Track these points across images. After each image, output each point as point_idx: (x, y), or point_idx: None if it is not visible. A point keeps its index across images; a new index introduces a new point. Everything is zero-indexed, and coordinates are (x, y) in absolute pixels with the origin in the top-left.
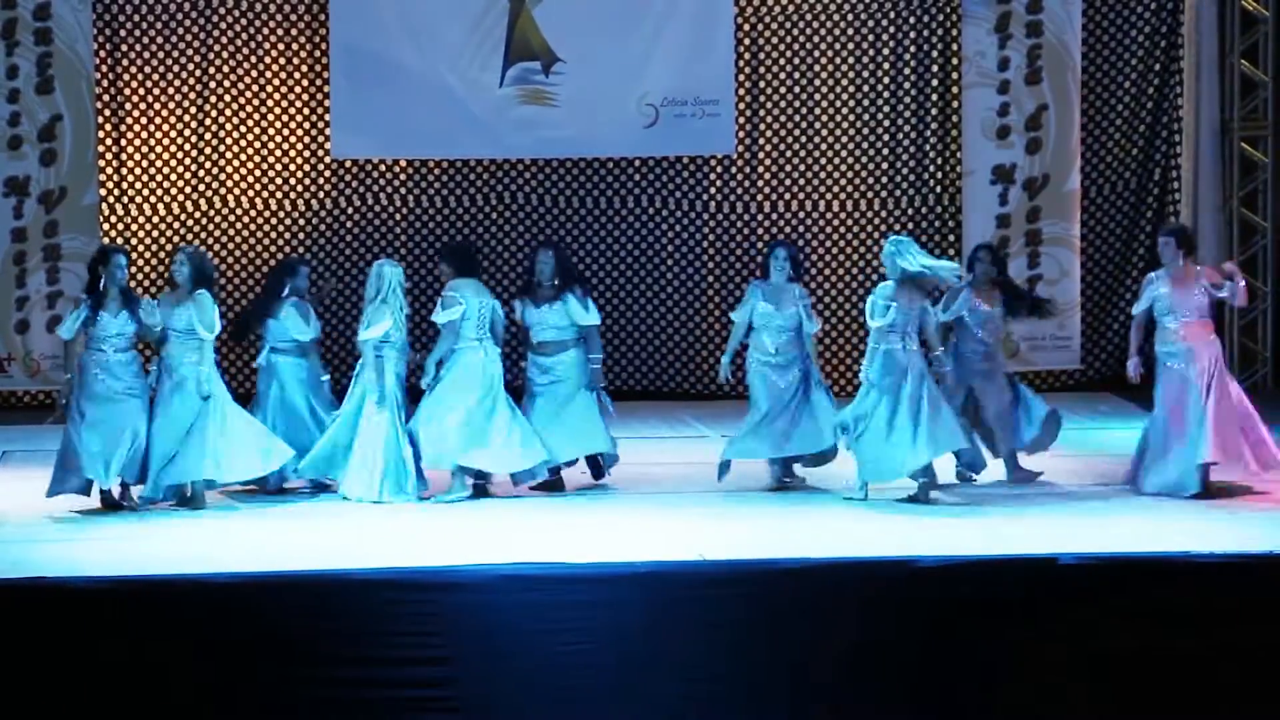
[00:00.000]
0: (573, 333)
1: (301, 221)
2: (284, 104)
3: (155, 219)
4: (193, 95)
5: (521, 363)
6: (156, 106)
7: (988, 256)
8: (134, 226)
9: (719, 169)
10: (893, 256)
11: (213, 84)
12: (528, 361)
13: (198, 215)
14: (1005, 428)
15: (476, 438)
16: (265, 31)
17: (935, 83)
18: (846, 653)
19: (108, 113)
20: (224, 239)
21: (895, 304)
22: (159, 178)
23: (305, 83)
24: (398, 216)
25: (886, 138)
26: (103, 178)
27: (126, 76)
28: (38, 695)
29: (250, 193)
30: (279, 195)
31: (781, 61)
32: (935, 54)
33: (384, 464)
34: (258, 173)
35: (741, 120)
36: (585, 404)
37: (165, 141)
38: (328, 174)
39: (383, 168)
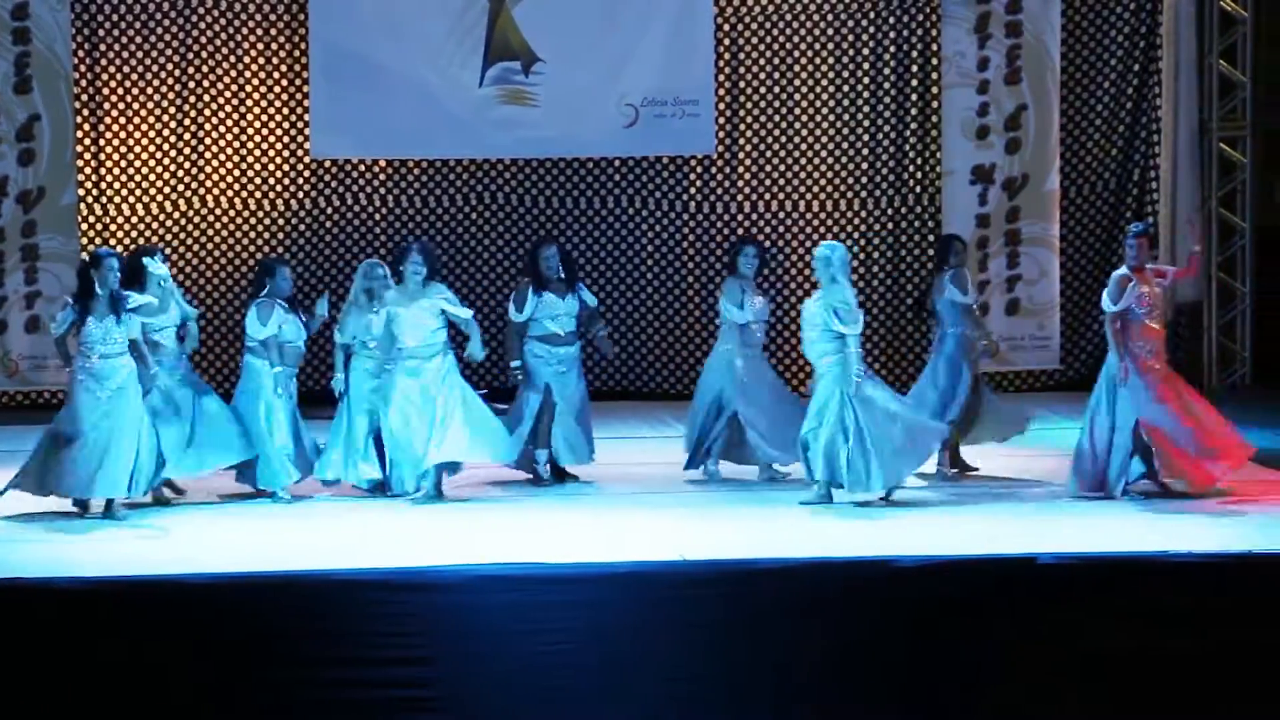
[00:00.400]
0: (575, 324)
1: (280, 222)
2: (263, 104)
3: (134, 219)
4: (171, 95)
5: (505, 360)
6: (135, 106)
7: (962, 247)
8: (112, 227)
9: (699, 169)
10: (846, 263)
11: (191, 84)
12: (532, 353)
13: (176, 216)
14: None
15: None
16: (244, 31)
17: (915, 82)
18: (828, 653)
19: (86, 113)
20: (203, 239)
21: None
22: (137, 178)
23: (284, 82)
24: (377, 217)
25: (866, 138)
26: (81, 178)
27: (105, 76)
28: (20, 697)
29: (229, 193)
30: (258, 195)
31: (761, 61)
32: (915, 54)
33: (333, 446)
34: (236, 173)
35: (721, 120)
36: (586, 410)
37: (144, 142)
38: (307, 174)
39: (362, 168)
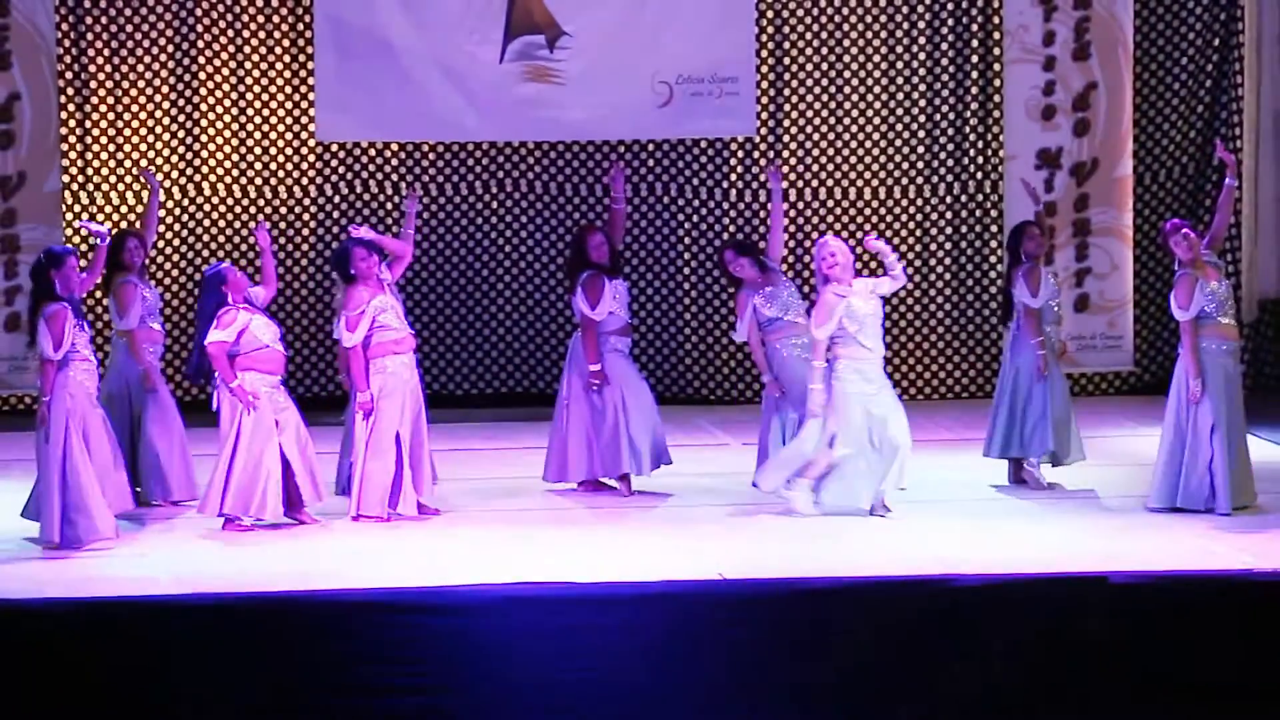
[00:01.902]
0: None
1: (284, 210)
2: (264, 82)
3: (124, 208)
4: (164, 73)
5: (561, 364)
6: (125, 85)
7: (1039, 231)
8: (100, 216)
9: (740, 153)
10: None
11: (186, 60)
12: (613, 349)
13: (170, 205)
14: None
15: None
16: (244, 3)
17: (975, 59)
18: (880, 680)
19: (71, 91)
20: (199, 230)
21: None
22: (128, 163)
23: (287, 58)
24: (389, 206)
25: (922, 119)
26: (66, 162)
27: (92, 52)
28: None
29: (228, 179)
30: (259, 182)
31: (808, 35)
32: (975, 27)
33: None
34: (235, 157)
35: (764, 100)
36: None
37: (134, 124)
38: (312, 158)
39: (372, 152)
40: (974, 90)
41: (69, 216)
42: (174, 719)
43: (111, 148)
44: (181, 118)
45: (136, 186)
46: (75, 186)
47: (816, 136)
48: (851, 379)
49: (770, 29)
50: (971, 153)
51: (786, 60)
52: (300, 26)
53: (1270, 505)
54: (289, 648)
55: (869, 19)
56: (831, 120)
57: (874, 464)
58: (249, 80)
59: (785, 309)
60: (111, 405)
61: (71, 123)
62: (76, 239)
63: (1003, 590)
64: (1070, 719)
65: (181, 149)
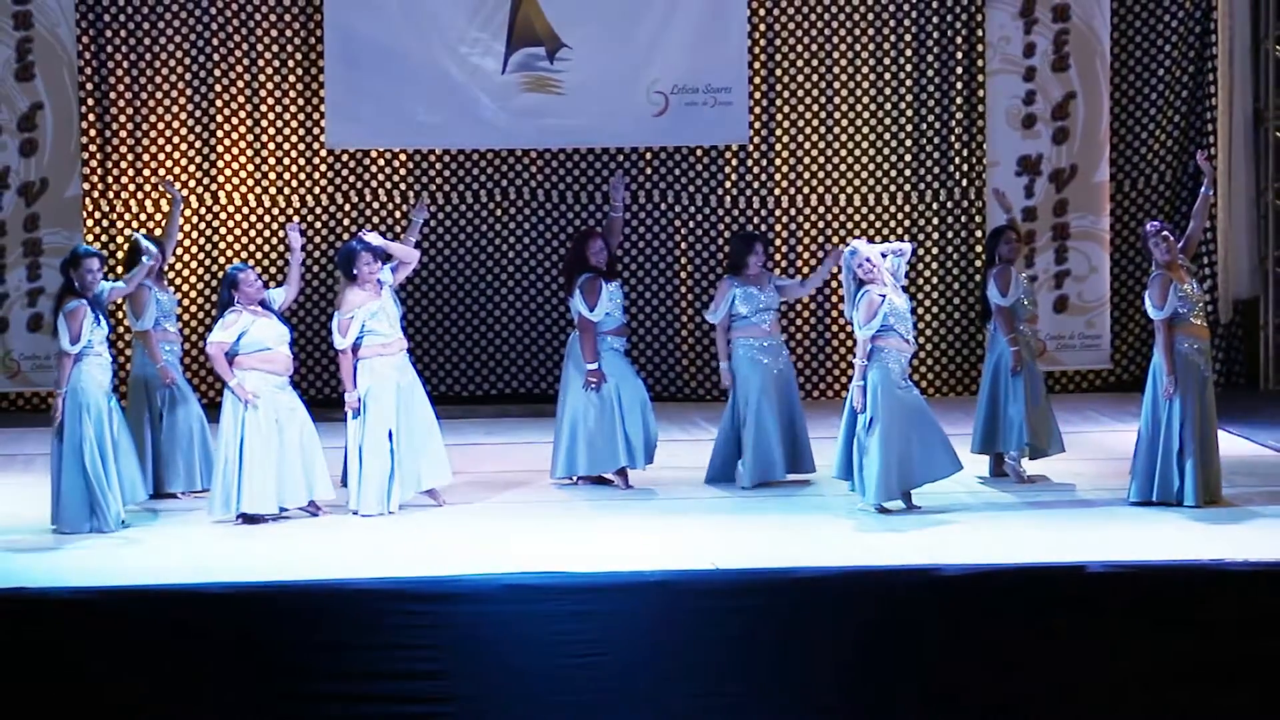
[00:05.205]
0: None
1: (296, 218)
2: (277, 93)
3: (143, 215)
4: (181, 84)
5: (560, 364)
6: (143, 95)
7: (1014, 236)
8: (119, 223)
9: (733, 160)
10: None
11: (202, 73)
12: (610, 348)
13: (187, 212)
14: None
15: None
16: (258, 16)
17: (959, 70)
18: (866, 666)
19: (91, 101)
20: (215, 237)
21: None
22: (146, 171)
23: (299, 70)
24: (398, 215)
25: (909, 127)
26: (86, 170)
27: (111, 64)
28: (18, 709)
29: (243, 187)
30: (272, 190)
31: (798, 47)
32: (959, 39)
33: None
34: (250, 166)
35: (756, 109)
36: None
37: (152, 134)
38: (323, 167)
39: (381, 161)
40: (958, 100)
41: (89, 222)
42: (187, 704)
43: (130, 156)
44: (198, 128)
45: (155, 194)
46: (95, 193)
47: (808, 145)
48: (893, 368)
49: (762, 41)
50: (956, 160)
51: (778, 71)
52: (312, 40)
53: (1244, 498)
54: (299, 635)
55: (858, 31)
56: (822, 129)
57: (915, 450)
58: (263, 92)
59: (754, 310)
60: (132, 400)
61: (92, 131)
62: (111, 245)
63: (985, 579)
64: (1054, 707)
65: (198, 158)
